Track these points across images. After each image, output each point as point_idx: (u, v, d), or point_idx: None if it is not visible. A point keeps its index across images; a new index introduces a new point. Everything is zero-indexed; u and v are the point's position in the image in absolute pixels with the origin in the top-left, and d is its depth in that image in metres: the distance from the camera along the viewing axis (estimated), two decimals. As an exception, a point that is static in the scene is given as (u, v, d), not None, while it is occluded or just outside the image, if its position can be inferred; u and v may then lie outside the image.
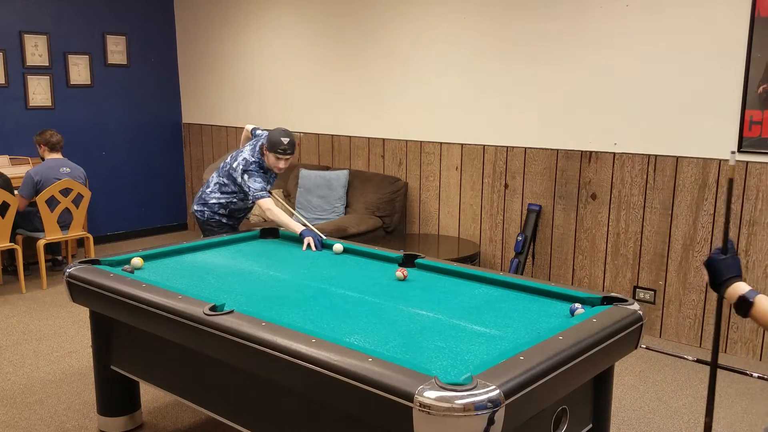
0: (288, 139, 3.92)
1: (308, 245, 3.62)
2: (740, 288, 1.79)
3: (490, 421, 1.74)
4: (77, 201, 5.54)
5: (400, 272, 2.98)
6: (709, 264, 1.90)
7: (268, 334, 2.19)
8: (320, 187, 5.72)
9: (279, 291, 2.83)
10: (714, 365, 2.23)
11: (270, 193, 4.06)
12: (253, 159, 4.03)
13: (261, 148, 4.04)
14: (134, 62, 7.10)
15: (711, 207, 4.15)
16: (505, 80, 4.93)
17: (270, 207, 3.93)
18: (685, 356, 4.13)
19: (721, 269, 1.86)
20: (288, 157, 3.96)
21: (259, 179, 3.99)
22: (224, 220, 4.24)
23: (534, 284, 2.81)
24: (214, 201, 4.18)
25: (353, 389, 1.91)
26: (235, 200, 4.18)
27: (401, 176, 5.67)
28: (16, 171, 5.96)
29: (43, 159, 5.62)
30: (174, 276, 3.05)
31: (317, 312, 2.55)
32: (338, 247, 3.49)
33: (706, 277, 1.90)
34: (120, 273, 2.94)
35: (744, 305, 1.73)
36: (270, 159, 3.97)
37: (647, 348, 4.30)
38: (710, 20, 4.01)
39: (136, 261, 3.18)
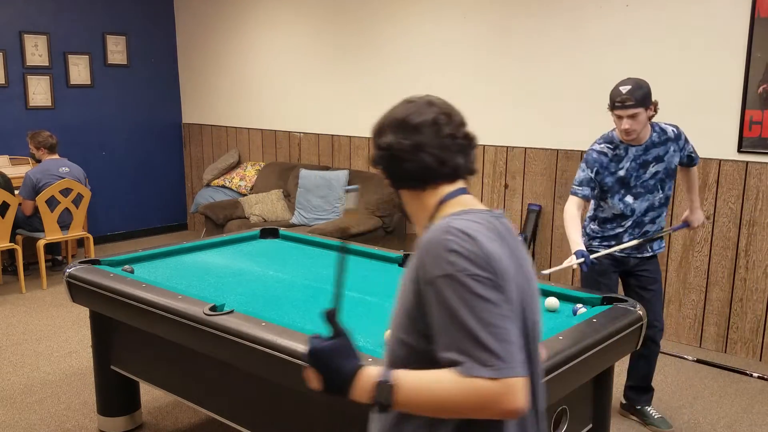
0: (628, 86, 2.92)
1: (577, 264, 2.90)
2: (371, 373, 1.25)
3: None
4: (77, 201, 5.54)
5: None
6: (317, 356, 1.25)
7: (268, 334, 2.19)
8: (320, 187, 5.72)
9: (279, 291, 2.83)
10: None
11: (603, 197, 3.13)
12: (596, 142, 3.19)
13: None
14: (134, 62, 7.09)
15: (711, 207, 4.15)
16: (505, 80, 4.93)
17: (567, 211, 3.07)
18: (685, 356, 4.13)
19: (340, 355, 1.25)
20: (629, 111, 2.92)
21: (582, 168, 3.14)
22: (595, 243, 3.23)
23: (534, 284, 2.80)
24: (586, 220, 3.33)
25: (353, 389, 1.90)
26: (599, 204, 3.24)
27: (401, 176, 5.66)
28: (16, 171, 5.96)
29: (39, 161, 5.60)
30: (174, 276, 3.05)
31: (317, 312, 2.55)
32: (552, 302, 2.63)
33: (316, 382, 1.27)
34: (120, 273, 2.94)
35: (384, 391, 1.22)
36: (616, 123, 3.06)
37: (647, 348, 4.29)
38: (710, 20, 4.01)
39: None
